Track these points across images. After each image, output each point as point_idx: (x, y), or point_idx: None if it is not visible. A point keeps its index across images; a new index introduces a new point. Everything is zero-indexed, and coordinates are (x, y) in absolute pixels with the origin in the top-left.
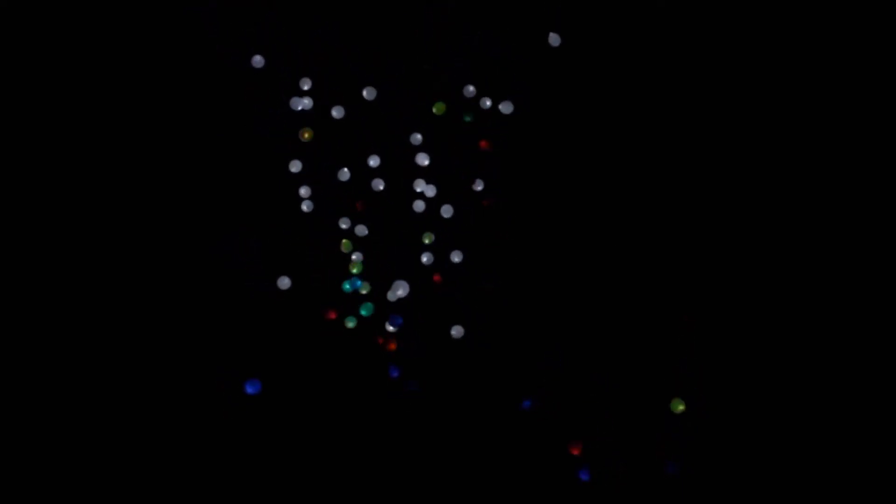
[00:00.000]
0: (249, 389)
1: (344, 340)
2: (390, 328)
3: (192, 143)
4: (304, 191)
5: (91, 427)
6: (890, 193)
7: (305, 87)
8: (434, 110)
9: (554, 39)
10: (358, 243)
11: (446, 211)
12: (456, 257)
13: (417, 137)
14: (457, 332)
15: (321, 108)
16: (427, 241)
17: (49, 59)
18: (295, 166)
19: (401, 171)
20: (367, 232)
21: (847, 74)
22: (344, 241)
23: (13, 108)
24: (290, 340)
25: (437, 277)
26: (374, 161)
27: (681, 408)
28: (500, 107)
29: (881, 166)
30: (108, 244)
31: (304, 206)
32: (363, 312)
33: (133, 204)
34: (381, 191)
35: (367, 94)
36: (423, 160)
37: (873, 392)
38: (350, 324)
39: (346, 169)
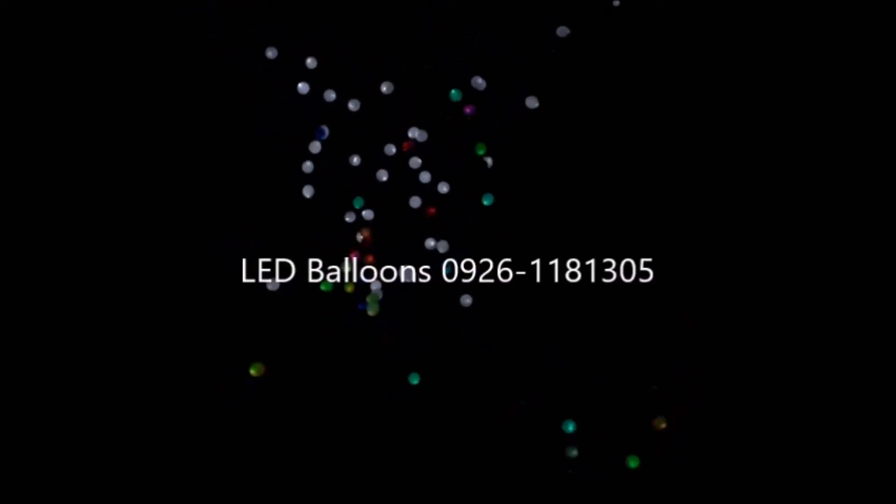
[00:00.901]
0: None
1: (344, 338)
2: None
3: (193, 143)
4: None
5: (93, 421)
6: (890, 193)
7: (304, 92)
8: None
9: (562, 31)
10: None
11: (449, 202)
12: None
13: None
14: (466, 301)
15: (316, 100)
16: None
17: (55, 61)
18: (315, 147)
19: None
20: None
21: (858, 78)
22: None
23: (19, 108)
24: (291, 336)
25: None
26: (388, 149)
27: (663, 426)
28: (527, 102)
29: (881, 166)
30: (111, 243)
31: (306, 192)
32: None
33: (134, 202)
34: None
35: (386, 88)
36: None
37: (871, 394)
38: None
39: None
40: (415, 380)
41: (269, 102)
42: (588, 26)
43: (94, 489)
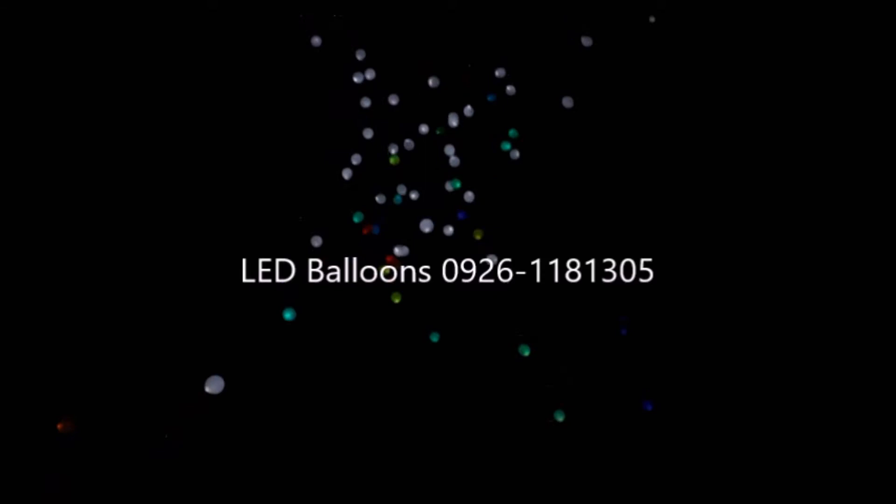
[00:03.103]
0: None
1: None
2: None
3: (193, 142)
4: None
5: (91, 421)
6: (890, 193)
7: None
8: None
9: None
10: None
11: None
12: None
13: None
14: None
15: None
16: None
17: (56, 58)
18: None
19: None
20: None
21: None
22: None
23: (25, 103)
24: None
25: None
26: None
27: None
28: (564, 101)
29: (880, 167)
30: (110, 243)
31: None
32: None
33: (134, 202)
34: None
35: (432, 82)
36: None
37: (874, 393)
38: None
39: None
40: (436, 339)
41: (272, 101)
42: (603, 37)
43: (92, 489)
